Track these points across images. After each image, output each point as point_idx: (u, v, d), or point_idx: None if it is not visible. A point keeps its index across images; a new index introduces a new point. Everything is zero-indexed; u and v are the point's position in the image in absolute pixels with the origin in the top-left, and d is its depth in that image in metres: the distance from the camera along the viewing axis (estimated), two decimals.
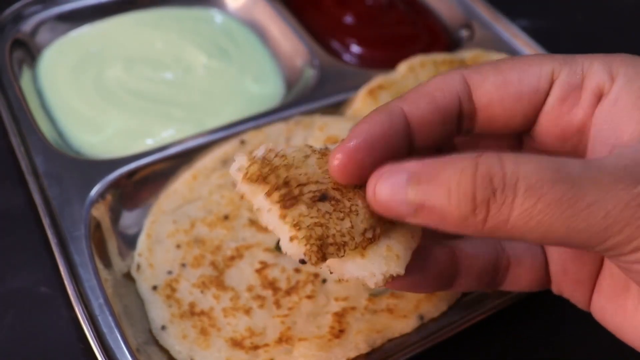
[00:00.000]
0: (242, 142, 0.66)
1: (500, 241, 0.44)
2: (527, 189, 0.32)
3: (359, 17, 0.85)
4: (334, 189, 0.36)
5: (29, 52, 0.79)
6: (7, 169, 0.66)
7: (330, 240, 0.34)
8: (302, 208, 0.35)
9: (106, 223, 0.60)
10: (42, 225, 0.57)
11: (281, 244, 0.35)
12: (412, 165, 0.33)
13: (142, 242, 0.59)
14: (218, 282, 0.56)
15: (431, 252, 0.41)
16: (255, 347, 0.51)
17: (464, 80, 0.39)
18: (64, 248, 0.56)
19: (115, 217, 0.61)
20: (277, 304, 0.54)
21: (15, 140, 0.65)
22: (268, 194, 0.35)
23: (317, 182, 0.36)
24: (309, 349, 0.50)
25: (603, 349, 0.56)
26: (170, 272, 0.56)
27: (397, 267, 0.36)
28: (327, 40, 0.83)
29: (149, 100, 0.74)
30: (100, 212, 0.60)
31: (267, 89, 0.78)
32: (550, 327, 0.58)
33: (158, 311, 0.54)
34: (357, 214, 0.35)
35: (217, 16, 0.87)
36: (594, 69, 0.38)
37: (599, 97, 0.38)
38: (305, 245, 0.34)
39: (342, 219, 0.35)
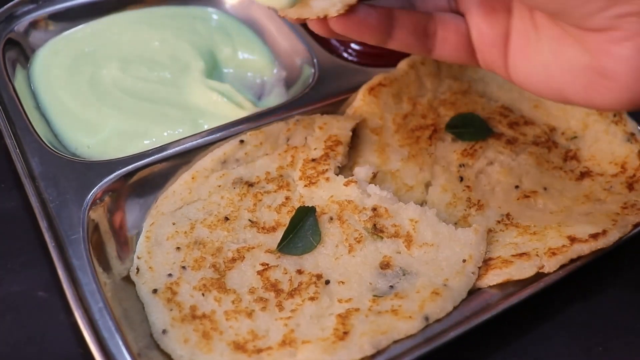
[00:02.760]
0: (242, 142, 0.65)
1: (430, 9, 0.56)
2: None
3: None
4: None
5: (23, 52, 0.78)
6: (3, 172, 0.65)
7: None
8: None
9: (104, 225, 0.59)
10: (39, 228, 0.57)
11: None
12: None
13: (141, 245, 0.58)
14: (219, 284, 0.55)
15: (371, 5, 0.53)
16: (259, 351, 0.50)
17: None
18: (62, 251, 0.55)
19: (113, 220, 0.60)
20: (280, 306, 0.54)
21: (10, 142, 0.64)
22: None
23: None
24: (313, 351, 0.49)
25: (603, 348, 0.56)
26: (170, 275, 0.56)
27: None
28: (326, 38, 0.82)
29: (146, 100, 0.73)
30: (98, 214, 0.59)
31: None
32: (554, 329, 0.57)
33: (159, 315, 0.53)
34: None
35: (214, 14, 0.86)
36: None
37: None
38: None
39: None
